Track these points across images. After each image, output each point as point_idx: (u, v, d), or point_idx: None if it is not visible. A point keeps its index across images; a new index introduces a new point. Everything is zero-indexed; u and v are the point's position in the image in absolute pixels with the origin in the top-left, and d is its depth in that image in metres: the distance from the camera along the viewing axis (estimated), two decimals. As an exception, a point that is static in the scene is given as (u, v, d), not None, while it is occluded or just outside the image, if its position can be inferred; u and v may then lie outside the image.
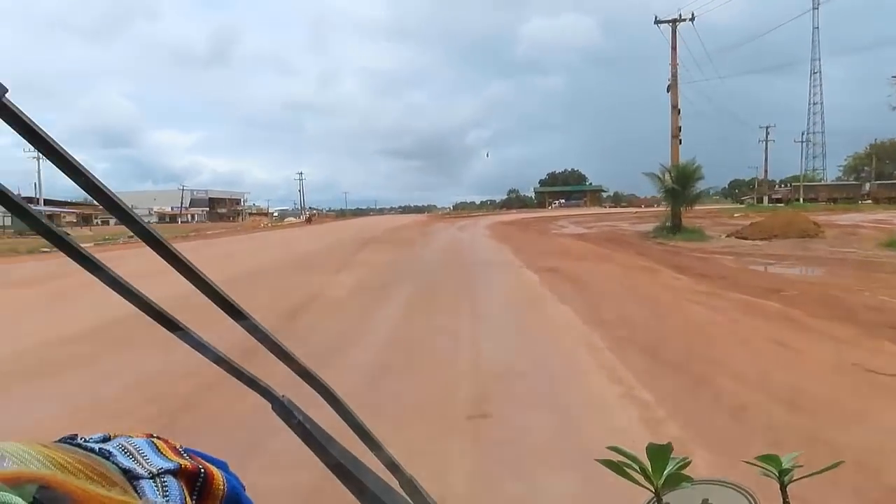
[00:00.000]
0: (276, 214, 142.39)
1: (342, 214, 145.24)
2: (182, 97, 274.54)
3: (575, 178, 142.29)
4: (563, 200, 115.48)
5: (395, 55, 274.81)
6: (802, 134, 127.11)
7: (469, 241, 23.75)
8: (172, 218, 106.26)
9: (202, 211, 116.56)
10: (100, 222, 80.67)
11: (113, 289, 0.52)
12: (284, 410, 0.64)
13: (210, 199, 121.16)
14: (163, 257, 0.52)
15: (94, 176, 0.46)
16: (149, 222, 0.51)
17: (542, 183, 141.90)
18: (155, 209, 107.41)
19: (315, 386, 0.67)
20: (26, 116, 0.42)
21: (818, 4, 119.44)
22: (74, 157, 0.44)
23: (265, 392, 0.64)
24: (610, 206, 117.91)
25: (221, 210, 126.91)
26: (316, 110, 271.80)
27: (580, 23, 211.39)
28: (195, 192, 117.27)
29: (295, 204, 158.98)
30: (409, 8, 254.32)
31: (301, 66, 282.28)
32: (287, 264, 15.51)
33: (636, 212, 67.23)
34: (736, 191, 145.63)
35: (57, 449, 0.45)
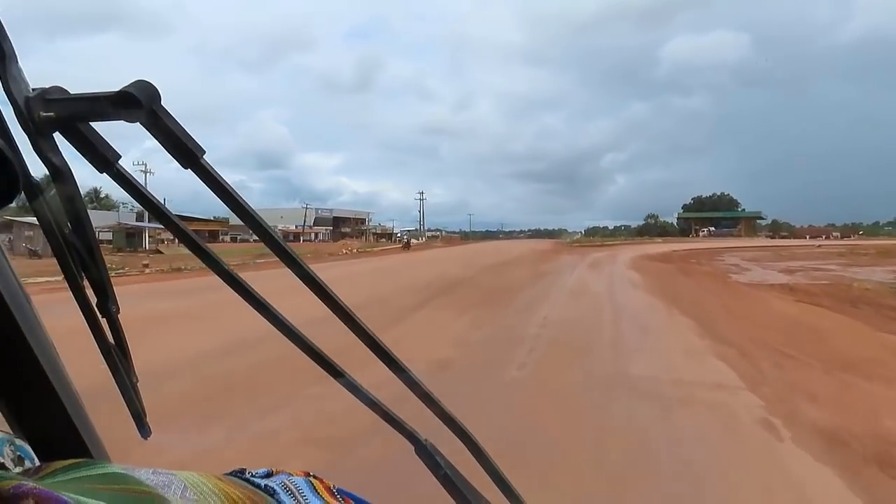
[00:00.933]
0: (399, 235, 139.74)
1: (465, 237, 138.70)
2: (328, 122, 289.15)
3: (725, 203, 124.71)
4: (711, 228, 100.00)
5: (530, 78, 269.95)
6: None
7: (607, 295, 14.53)
8: (296, 237, 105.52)
9: (326, 230, 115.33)
10: (229, 239, 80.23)
11: (276, 327, 0.58)
12: (428, 455, 0.68)
13: (334, 218, 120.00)
14: (303, 281, 0.56)
15: (237, 194, 0.49)
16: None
17: (685, 208, 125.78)
18: (280, 227, 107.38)
19: (457, 431, 0.68)
20: (217, 174, 0.46)
21: None
22: (228, 180, 0.47)
23: (410, 436, 0.68)
24: (768, 236, 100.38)
25: (346, 229, 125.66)
26: (451, 134, 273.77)
27: (729, 39, 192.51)
28: (320, 211, 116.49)
29: (414, 225, 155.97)
30: (545, 32, 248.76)
31: (439, 91, 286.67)
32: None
33: (819, 245, 52.99)
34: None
35: (229, 483, 0.49)
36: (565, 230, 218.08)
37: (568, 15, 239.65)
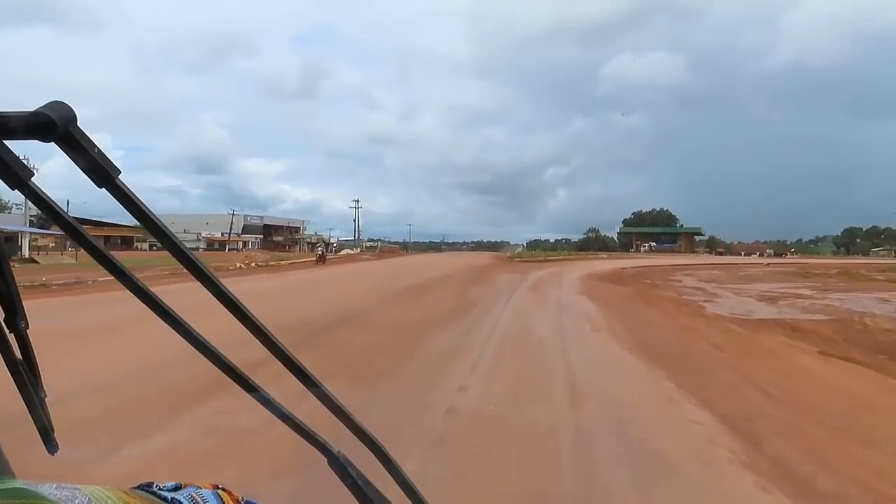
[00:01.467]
0: (335, 244, 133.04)
1: (405, 248, 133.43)
2: (271, 127, 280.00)
3: (664, 218, 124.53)
4: (653, 244, 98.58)
5: (477, 91, 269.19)
6: None
7: (556, 346, 9.69)
8: (222, 245, 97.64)
9: (256, 238, 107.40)
10: (147, 246, 71.99)
11: (189, 341, 0.58)
12: (340, 466, 0.69)
13: (265, 225, 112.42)
14: (217, 298, 0.55)
15: (153, 214, 0.48)
16: (196, 249, 0.53)
17: (626, 223, 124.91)
18: (205, 234, 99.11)
19: (367, 443, 0.70)
20: (133, 195, 0.45)
21: None
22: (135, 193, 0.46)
23: (322, 447, 0.70)
24: (707, 252, 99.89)
25: (278, 238, 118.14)
26: (396, 143, 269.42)
27: (667, 61, 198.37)
28: (250, 218, 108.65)
29: (364, 235, 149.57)
30: (492, 46, 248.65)
31: (385, 100, 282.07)
32: None
33: (767, 263, 50.63)
34: (857, 240, 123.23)
35: (135, 496, 0.49)
36: (507, 242, 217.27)
37: (515, 30, 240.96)
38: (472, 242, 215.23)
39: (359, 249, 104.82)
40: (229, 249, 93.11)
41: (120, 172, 0.42)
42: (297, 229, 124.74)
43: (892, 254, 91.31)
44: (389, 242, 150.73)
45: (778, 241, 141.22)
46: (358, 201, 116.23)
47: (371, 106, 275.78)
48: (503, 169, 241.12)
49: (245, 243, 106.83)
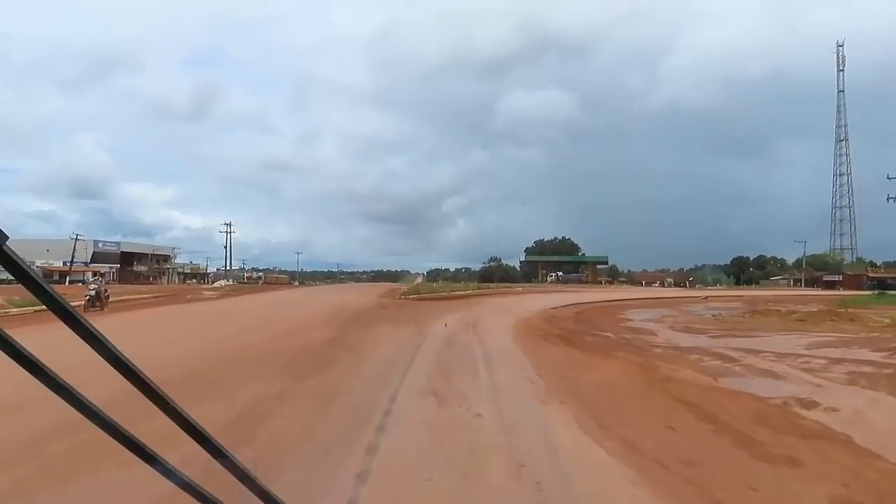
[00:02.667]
0: (211, 274, 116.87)
1: (294, 278, 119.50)
2: (159, 151, 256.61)
3: (566, 247, 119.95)
4: (559, 273, 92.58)
5: (376, 121, 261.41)
6: (832, 210, 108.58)
7: None
8: (63, 275, 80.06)
9: (111, 269, 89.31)
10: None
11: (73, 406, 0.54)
12: None
13: (123, 253, 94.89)
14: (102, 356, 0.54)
15: (45, 282, 0.49)
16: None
17: (528, 251, 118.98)
18: (39, 263, 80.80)
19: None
20: (22, 262, 0.46)
21: (843, 67, 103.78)
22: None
23: None
24: (608, 282, 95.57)
25: (141, 267, 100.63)
26: (294, 170, 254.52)
27: (559, 98, 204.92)
28: (102, 245, 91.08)
29: (245, 264, 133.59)
30: (392, 76, 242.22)
31: (282, 126, 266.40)
32: None
33: (705, 296, 44.56)
34: (751, 269, 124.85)
35: None
36: (408, 272, 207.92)
37: (415, 62, 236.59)
38: (372, 272, 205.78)
39: (225, 282, 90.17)
40: (71, 282, 75.56)
41: (7, 238, 0.39)
42: (165, 257, 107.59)
43: (791, 283, 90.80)
44: (279, 272, 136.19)
45: (662, 269, 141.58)
46: (230, 225, 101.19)
47: (267, 131, 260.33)
48: (404, 198, 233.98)
49: (95, 274, 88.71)
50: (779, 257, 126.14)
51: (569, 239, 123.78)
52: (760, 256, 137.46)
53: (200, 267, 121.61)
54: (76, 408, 0.48)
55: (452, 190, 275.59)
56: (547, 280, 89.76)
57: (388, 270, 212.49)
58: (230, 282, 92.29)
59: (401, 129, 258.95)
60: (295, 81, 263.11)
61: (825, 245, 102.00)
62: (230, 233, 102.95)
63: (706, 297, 39.72)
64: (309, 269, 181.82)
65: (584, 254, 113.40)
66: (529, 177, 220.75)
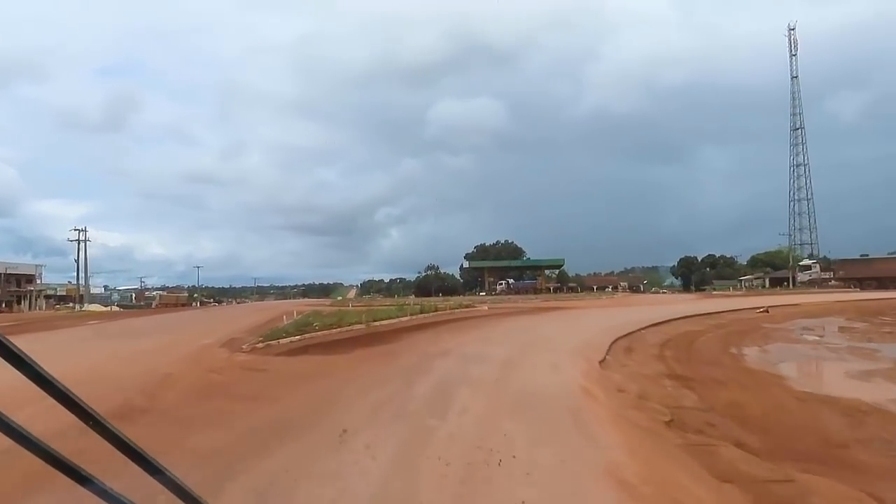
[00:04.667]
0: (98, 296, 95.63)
1: (192, 297, 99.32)
2: (72, 165, 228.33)
3: (510, 251, 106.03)
4: (510, 281, 78.20)
5: (304, 131, 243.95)
6: (790, 203, 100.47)
7: None
8: None
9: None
10: None
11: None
12: None
13: (-40, 273, 73.11)
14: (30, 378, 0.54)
15: None
16: None
17: (469, 257, 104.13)
18: None
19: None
20: None
21: (796, 52, 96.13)
22: None
23: None
24: (557, 286, 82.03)
25: (-10, 291, 78.60)
26: (219, 183, 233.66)
27: (489, 106, 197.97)
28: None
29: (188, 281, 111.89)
30: (319, 85, 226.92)
31: (205, 138, 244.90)
32: None
33: (746, 297, 31.04)
34: (703, 269, 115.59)
35: None
36: (341, 284, 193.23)
37: (342, 70, 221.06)
38: (303, 286, 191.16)
39: (80, 307, 70.29)
40: None
41: None
42: (28, 277, 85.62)
43: (765, 284, 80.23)
44: (206, 288, 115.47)
45: (608, 273, 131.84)
46: (84, 230, 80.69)
47: (190, 143, 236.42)
48: (335, 209, 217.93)
49: None
50: (728, 256, 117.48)
51: (512, 242, 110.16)
52: (710, 255, 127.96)
53: (74, 288, 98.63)
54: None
55: (385, 199, 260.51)
56: (496, 288, 75.30)
57: (320, 284, 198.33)
58: (78, 308, 72.31)
59: (330, 138, 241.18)
60: (218, 91, 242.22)
61: (766, 243, 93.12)
62: (84, 240, 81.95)
63: (766, 310, 25.66)
64: (238, 286, 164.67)
65: (528, 258, 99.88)
66: (463, 184, 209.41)
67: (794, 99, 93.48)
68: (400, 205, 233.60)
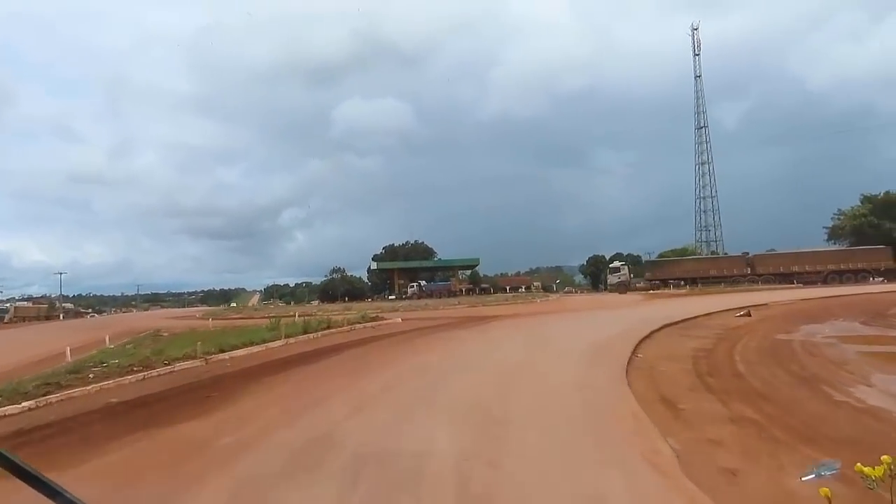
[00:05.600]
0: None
1: (53, 308, 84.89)
2: None
3: (421, 251, 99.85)
4: (422, 283, 71.81)
5: (203, 129, 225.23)
6: (696, 201, 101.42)
7: None
8: None
9: None
10: None
11: None
12: None
13: None
14: None
15: None
16: None
17: (377, 259, 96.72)
18: None
19: None
20: None
21: (699, 51, 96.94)
22: None
23: None
24: (470, 287, 76.83)
25: None
26: (108, 185, 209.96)
27: (395, 107, 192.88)
28: None
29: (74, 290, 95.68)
30: (218, 82, 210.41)
31: (91, 135, 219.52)
32: None
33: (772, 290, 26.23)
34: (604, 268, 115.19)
35: None
36: (244, 290, 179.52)
37: (243, 67, 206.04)
38: (202, 292, 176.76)
39: None
40: None
41: None
42: None
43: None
44: (88, 298, 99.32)
45: (515, 273, 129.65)
46: None
47: (74, 141, 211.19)
48: (237, 212, 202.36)
49: None
50: (635, 254, 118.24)
51: (422, 242, 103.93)
52: (618, 254, 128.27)
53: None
54: None
55: (290, 201, 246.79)
56: (407, 291, 68.69)
57: (221, 289, 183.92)
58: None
59: (231, 137, 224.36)
60: (106, 85, 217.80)
61: (676, 241, 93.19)
62: None
63: (748, 313, 20.95)
64: (131, 293, 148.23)
65: (439, 258, 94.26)
66: (371, 186, 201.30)
67: (697, 98, 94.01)
68: (306, 207, 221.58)
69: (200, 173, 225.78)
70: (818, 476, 1.68)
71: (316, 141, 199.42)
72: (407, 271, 76.51)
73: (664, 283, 62.29)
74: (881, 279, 52.56)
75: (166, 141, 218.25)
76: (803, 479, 1.78)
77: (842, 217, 71.39)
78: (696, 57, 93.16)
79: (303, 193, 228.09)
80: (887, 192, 68.21)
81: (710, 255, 74.13)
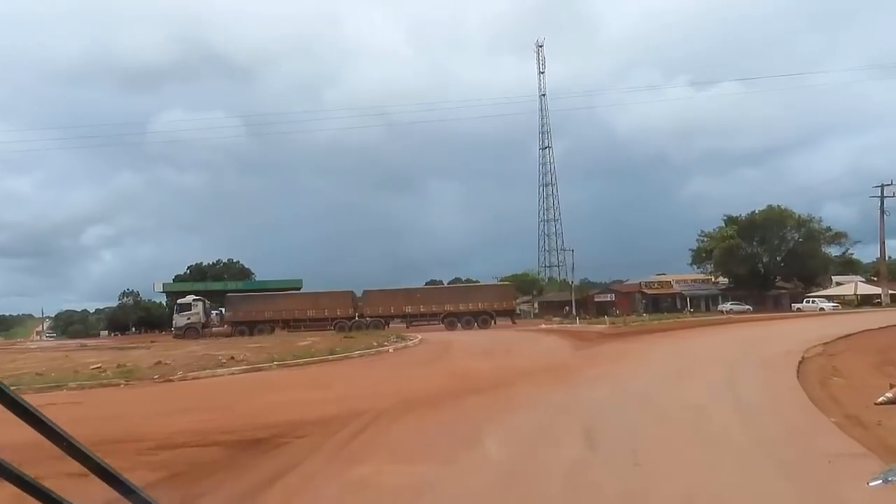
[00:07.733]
0: None
1: None
2: None
3: (235, 272, 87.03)
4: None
5: None
6: (539, 224, 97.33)
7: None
8: None
9: None
10: None
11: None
12: None
13: None
14: None
15: None
16: None
17: (179, 279, 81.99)
18: None
19: None
20: None
21: (543, 69, 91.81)
22: None
23: None
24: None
25: None
26: None
27: (223, 122, 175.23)
28: None
29: None
30: (9, 79, 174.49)
31: None
32: None
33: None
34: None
35: None
36: (30, 316, 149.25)
37: (41, 62, 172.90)
38: None
39: None
40: None
41: None
42: None
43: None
44: None
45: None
46: None
47: None
48: (29, 227, 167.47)
49: None
50: (473, 280, 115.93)
51: (237, 262, 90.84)
52: (456, 279, 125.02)
53: None
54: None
55: (96, 217, 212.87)
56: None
57: (2, 316, 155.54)
58: None
59: (23, 142, 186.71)
60: None
61: (519, 266, 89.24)
62: None
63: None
64: None
65: (255, 277, 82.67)
66: (192, 204, 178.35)
67: (541, 117, 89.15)
68: (115, 224, 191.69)
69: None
70: (885, 482, 1.81)
71: (129, 151, 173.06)
72: (211, 294, 64.30)
73: (250, 328, 44.84)
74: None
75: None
76: (870, 483, 1.87)
77: (706, 239, 63.50)
78: (542, 75, 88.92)
79: (112, 209, 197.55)
80: (752, 213, 61.97)
81: (312, 292, 53.37)
